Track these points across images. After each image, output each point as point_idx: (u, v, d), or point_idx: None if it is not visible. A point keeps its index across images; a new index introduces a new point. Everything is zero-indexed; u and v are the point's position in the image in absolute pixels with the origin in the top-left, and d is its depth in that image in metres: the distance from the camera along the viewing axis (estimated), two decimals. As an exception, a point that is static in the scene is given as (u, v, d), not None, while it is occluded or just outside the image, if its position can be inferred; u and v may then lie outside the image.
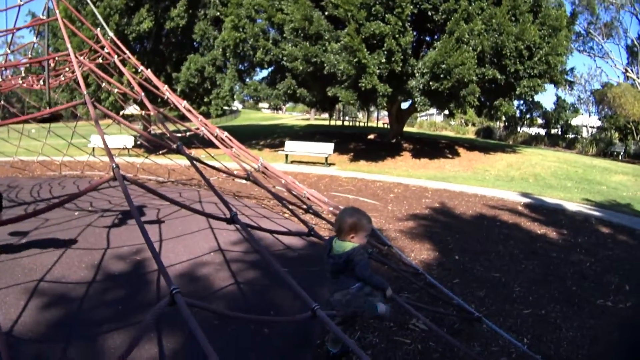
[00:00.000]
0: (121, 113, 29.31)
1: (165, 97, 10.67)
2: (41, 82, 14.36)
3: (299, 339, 5.23)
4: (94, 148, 25.35)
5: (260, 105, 77.51)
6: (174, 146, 6.78)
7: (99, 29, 11.36)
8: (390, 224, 10.99)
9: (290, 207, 7.68)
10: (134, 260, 7.31)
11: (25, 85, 14.12)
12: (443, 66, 21.81)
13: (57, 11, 9.68)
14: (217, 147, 9.75)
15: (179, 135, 12.89)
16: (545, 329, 5.71)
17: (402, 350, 4.94)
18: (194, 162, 6.42)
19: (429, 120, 67.95)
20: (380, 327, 5.32)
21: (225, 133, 10.23)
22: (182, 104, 10.37)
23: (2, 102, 17.57)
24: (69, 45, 8.75)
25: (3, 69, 13.84)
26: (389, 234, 10.03)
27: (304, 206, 8.25)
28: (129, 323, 5.17)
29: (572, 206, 14.65)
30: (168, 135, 8.22)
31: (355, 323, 4.94)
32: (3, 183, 15.31)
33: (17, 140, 18.23)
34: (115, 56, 10.32)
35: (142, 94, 8.83)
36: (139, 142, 26.82)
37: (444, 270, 7.79)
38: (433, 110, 32.92)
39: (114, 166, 4.69)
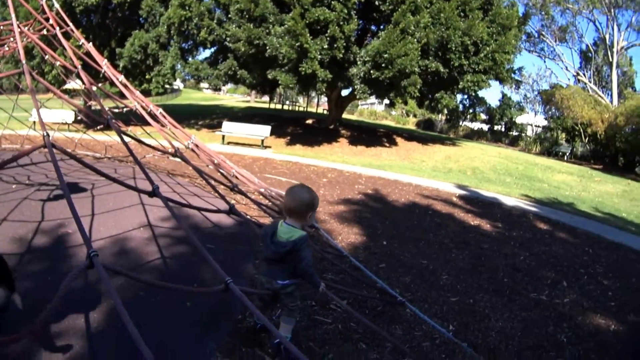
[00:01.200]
0: (63, 87, 28.71)
1: (102, 71, 10.35)
2: None
3: (220, 312, 5.15)
4: (34, 122, 24.77)
5: (202, 85, 77.09)
6: (105, 121, 6.63)
7: (44, 1, 10.95)
8: (320, 208, 10.81)
9: (213, 183, 7.54)
10: (64, 232, 7.15)
11: None
12: (385, 56, 21.98)
13: None
14: (152, 126, 9.60)
15: (117, 111, 12.58)
16: (472, 318, 5.68)
17: (322, 330, 4.86)
18: (123, 136, 6.23)
19: (370, 109, 68.40)
20: (301, 305, 5.18)
21: (160, 110, 10.06)
22: (119, 79, 10.09)
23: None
24: (13, 15, 8.55)
25: None
26: (319, 217, 9.97)
27: (230, 185, 8.14)
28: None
29: (510, 201, 14.80)
30: (105, 110, 8.05)
31: (276, 304, 4.70)
32: None
33: None
34: (58, 28, 10.13)
35: (79, 66, 8.56)
36: (79, 118, 25.98)
37: (371, 254, 7.75)
38: (374, 100, 33.02)
39: (45, 134, 4.62)
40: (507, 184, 19.14)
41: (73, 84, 34.20)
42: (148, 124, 10.72)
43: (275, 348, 4.34)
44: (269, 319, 4.30)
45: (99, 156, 16.37)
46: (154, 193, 4.82)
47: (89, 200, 9.46)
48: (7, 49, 14.35)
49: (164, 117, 9.90)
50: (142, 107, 9.34)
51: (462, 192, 15.40)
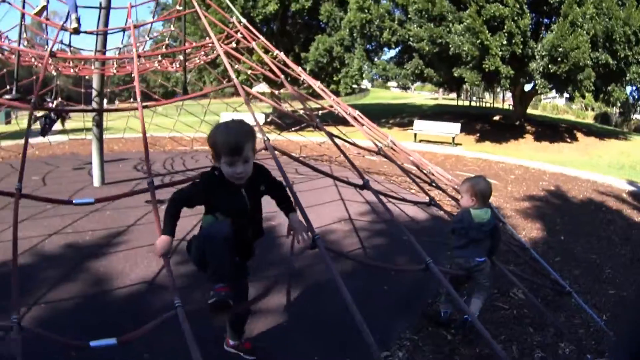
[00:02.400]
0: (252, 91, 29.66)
1: (301, 79, 11.03)
2: (176, 65, 15.27)
3: (413, 297, 5.82)
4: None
5: (389, 84, 76.68)
6: (314, 123, 7.47)
7: (234, 17, 11.76)
8: (507, 204, 11.39)
9: (415, 180, 8.33)
10: (270, 225, 7.65)
11: (160, 68, 14.89)
12: (560, 49, 21.40)
13: (196, 5, 10.41)
14: (347, 125, 10.33)
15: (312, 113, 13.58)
16: (623, 310, 5.93)
17: (499, 314, 5.46)
18: (332, 137, 7.07)
19: (552, 103, 66.02)
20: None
21: (357, 112, 10.52)
22: (317, 84, 10.71)
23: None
24: (212, 35, 9.57)
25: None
26: (505, 212, 10.46)
27: (428, 180, 8.88)
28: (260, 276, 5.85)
29: None
30: (307, 113, 8.89)
31: (463, 287, 5.31)
32: (135, 157, 16.27)
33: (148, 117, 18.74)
34: (254, 42, 10.94)
35: (282, 76, 9.13)
36: (269, 120, 26.57)
37: (549, 248, 8.17)
38: (555, 94, 32.12)
39: (265, 139, 5.52)
40: None
41: (260, 88, 35.39)
42: (342, 124, 11.52)
43: (462, 323, 4.77)
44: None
45: (295, 156, 17.50)
46: (365, 186, 5.55)
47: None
48: (198, 61, 15.79)
49: (362, 118, 10.37)
50: (343, 110, 9.88)
51: (632, 188, 14.95)
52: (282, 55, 11.32)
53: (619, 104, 29.77)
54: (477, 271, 4.81)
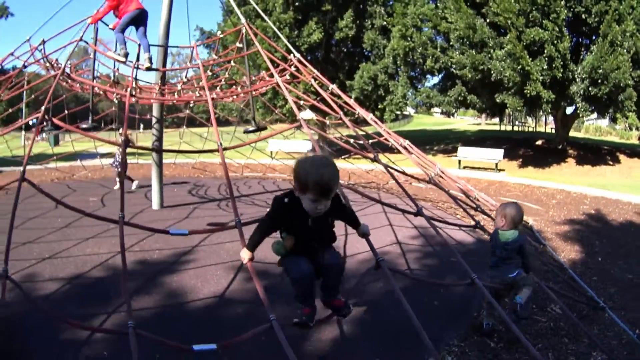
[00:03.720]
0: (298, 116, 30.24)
1: (357, 112, 11.56)
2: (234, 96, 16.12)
3: (460, 310, 6.45)
4: (271, 152, 27.03)
5: (433, 110, 77.06)
6: (371, 155, 8.12)
7: (292, 55, 12.32)
8: (548, 227, 11.79)
9: (462, 205, 8.95)
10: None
11: (225, 99, 15.51)
12: (600, 71, 21.48)
13: (257, 44, 11.07)
14: (394, 153, 10.87)
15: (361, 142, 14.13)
16: None
17: (537, 326, 5.98)
18: (388, 169, 7.63)
19: (595, 125, 65.55)
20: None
21: (407, 141, 11.09)
22: (369, 116, 11.41)
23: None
24: (275, 73, 10.29)
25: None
26: (546, 235, 10.89)
27: (474, 206, 9.47)
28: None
29: None
30: (362, 142, 9.57)
31: (502, 300, 5.84)
32: (190, 182, 17.31)
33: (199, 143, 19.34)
34: (312, 79, 11.54)
35: (341, 113, 9.71)
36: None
37: (587, 269, 8.56)
38: (597, 115, 32.03)
39: None
40: None
41: (305, 115, 35.69)
42: (389, 151, 12.00)
43: (514, 305, 5.29)
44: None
45: (344, 183, 18.00)
46: (419, 212, 6.19)
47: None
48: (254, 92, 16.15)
49: (411, 147, 10.94)
50: (395, 140, 10.53)
51: None
52: (336, 88, 11.95)
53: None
54: (517, 280, 5.45)
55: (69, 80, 12.54)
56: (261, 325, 4.06)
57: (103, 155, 21.27)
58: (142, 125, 29.84)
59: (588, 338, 5.64)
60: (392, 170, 8.48)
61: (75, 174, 18.95)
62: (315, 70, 12.09)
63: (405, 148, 10.49)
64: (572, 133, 35.16)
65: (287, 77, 12.90)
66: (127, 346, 3.70)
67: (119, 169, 14.80)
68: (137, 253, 8.17)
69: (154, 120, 12.30)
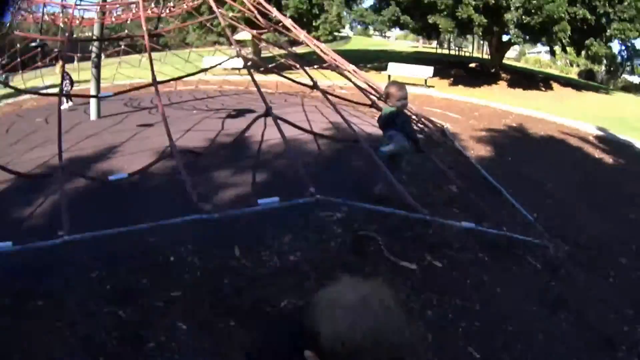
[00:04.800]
0: (233, 38, 30.25)
1: (302, 37, 11.52)
2: (166, 11, 16.29)
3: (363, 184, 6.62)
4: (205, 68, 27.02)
5: (371, 32, 77.02)
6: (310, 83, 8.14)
7: None
8: (465, 131, 12.13)
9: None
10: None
11: (151, 13, 15.60)
12: (534, 2, 22.07)
13: None
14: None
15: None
16: (558, 215, 6.69)
17: (431, 199, 6.22)
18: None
19: (535, 57, 66.66)
20: (421, 185, 6.76)
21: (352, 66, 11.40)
22: (302, 34, 11.54)
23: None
24: None
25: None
26: (461, 137, 11.23)
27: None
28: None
29: None
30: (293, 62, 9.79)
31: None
32: (123, 97, 17.26)
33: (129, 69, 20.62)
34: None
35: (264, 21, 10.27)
36: (249, 64, 27.20)
37: (493, 163, 8.95)
38: (540, 48, 32.55)
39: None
40: None
41: (242, 35, 35.77)
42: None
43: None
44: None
45: (271, 91, 18.33)
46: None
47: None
48: (185, 6, 16.42)
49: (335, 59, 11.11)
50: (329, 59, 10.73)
51: (600, 133, 15.40)
52: (267, 6, 12.12)
53: (605, 62, 30.18)
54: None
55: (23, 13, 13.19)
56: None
57: (48, 87, 21.25)
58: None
59: (478, 209, 5.78)
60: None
61: (23, 105, 19.77)
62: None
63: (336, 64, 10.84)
64: (511, 62, 35.65)
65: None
66: None
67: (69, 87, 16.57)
68: (74, 152, 8.76)
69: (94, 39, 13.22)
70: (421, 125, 9.50)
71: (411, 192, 6.24)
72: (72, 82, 17.60)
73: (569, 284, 4.72)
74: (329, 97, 6.90)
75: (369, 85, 10.20)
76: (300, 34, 11.40)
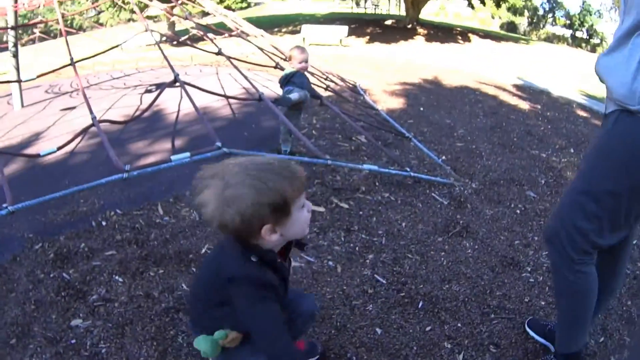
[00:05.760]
0: (145, 14, 30.26)
1: (207, 8, 12.17)
2: None
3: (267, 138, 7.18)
4: (120, 45, 26.83)
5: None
6: (215, 50, 8.40)
7: None
8: (377, 86, 12.40)
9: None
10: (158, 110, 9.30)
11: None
12: None
13: None
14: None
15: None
16: (466, 156, 7.00)
17: (339, 149, 6.57)
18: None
19: (455, 12, 67.46)
20: (331, 138, 6.95)
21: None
22: (220, 13, 11.94)
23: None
24: None
25: None
26: (372, 92, 11.52)
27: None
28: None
29: (562, 92, 14.69)
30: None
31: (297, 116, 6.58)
32: (43, 84, 17.41)
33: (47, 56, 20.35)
34: None
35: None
36: (164, 39, 27.60)
37: (404, 113, 9.29)
38: (462, 2, 33.09)
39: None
40: (563, 80, 18.67)
41: (154, 11, 35.75)
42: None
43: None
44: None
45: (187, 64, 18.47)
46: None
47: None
48: None
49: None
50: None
51: (518, 82, 15.85)
52: None
53: (527, 14, 30.93)
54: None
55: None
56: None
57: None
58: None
59: (387, 157, 6.03)
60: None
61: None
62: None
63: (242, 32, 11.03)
64: (430, 17, 36.15)
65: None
66: None
67: None
68: (5, 141, 9.40)
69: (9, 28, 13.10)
70: (329, 83, 9.84)
71: (320, 145, 6.59)
72: None
73: (475, 216, 5.04)
74: (234, 61, 7.11)
75: (275, 48, 10.49)
76: (207, 4, 11.65)
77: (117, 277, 3.92)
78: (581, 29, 58.38)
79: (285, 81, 6.22)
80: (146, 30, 7.46)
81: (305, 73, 6.34)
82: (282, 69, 7.75)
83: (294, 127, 5.60)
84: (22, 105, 13.24)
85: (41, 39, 21.99)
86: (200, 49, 8.02)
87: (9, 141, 9.28)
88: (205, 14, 14.39)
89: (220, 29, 11.81)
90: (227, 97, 7.81)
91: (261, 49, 9.49)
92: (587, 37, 56.63)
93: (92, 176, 4.66)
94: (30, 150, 8.15)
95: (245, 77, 6.70)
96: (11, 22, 13.12)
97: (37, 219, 5.12)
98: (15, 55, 13.14)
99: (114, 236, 4.63)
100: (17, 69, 13.23)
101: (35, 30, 22.63)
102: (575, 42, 52.77)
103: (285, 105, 6.01)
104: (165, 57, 6.68)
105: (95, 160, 7.11)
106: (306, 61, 6.26)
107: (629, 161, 2.23)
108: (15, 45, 13.11)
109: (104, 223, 4.95)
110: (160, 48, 7.08)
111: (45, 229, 4.90)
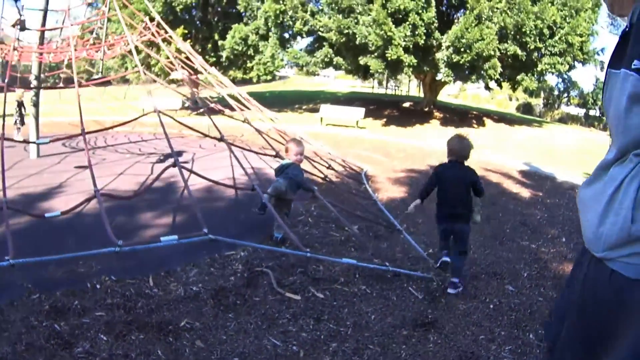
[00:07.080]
0: (169, 78, 30.98)
1: (207, 71, 12.75)
2: (98, 54, 17.17)
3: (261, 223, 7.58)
4: (143, 109, 27.39)
5: (310, 70, 77.69)
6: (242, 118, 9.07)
7: (147, 17, 14.00)
8: (383, 173, 12.87)
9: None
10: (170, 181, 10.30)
11: (87, 55, 16.79)
12: (463, 41, 23.65)
13: (117, 7, 12.23)
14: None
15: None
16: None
17: (330, 239, 6.99)
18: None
19: (474, 94, 68.03)
20: (325, 227, 7.53)
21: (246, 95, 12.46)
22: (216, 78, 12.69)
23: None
24: (127, 32, 11.91)
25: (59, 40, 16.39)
26: (377, 180, 11.96)
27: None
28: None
29: (566, 176, 14.95)
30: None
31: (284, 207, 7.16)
32: (60, 135, 17.86)
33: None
34: (160, 38, 13.16)
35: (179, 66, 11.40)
36: (186, 105, 28.62)
37: (403, 204, 9.47)
38: (481, 84, 33.61)
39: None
40: (571, 163, 19.15)
41: (178, 75, 36.36)
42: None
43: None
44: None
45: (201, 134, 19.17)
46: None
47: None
48: (119, 50, 17.54)
49: (248, 100, 12.22)
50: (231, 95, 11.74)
51: (525, 167, 16.25)
52: (184, 45, 13.55)
53: (542, 94, 31.21)
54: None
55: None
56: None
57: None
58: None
59: (373, 250, 6.42)
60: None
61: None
62: (170, 31, 13.65)
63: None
64: (449, 100, 36.67)
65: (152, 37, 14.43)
66: None
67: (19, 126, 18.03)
68: (17, 190, 9.91)
69: (32, 76, 14.22)
70: (330, 171, 10.51)
71: (312, 234, 6.98)
72: (22, 121, 18.22)
73: (447, 311, 5.27)
74: (234, 149, 7.68)
75: (280, 133, 11.32)
76: (225, 80, 12.29)
77: (102, 336, 4.33)
78: (594, 107, 58.81)
79: (280, 172, 6.81)
80: (154, 111, 7.90)
81: (304, 163, 7.04)
82: (281, 158, 8.25)
83: (280, 219, 6.11)
84: (38, 155, 13.81)
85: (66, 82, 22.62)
86: (202, 133, 8.78)
87: (20, 190, 9.83)
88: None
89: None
90: (219, 184, 8.21)
91: (260, 132, 9.87)
92: (600, 115, 56.74)
93: (96, 239, 5.24)
94: (38, 205, 8.80)
95: (243, 168, 7.24)
96: (35, 72, 13.99)
97: (38, 272, 5.57)
98: (36, 105, 13.85)
99: (105, 299, 5.08)
100: (37, 119, 13.90)
101: (61, 75, 23.34)
102: (589, 120, 53.04)
103: (271, 195, 6.61)
104: (166, 135, 7.16)
105: (97, 225, 7.28)
106: (302, 154, 6.89)
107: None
108: (37, 95, 13.86)
109: (98, 286, 5.41)
110: (162, 124, 7.67)
111: (44, 282, 5.36)
